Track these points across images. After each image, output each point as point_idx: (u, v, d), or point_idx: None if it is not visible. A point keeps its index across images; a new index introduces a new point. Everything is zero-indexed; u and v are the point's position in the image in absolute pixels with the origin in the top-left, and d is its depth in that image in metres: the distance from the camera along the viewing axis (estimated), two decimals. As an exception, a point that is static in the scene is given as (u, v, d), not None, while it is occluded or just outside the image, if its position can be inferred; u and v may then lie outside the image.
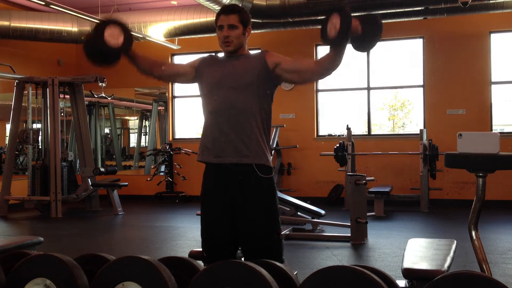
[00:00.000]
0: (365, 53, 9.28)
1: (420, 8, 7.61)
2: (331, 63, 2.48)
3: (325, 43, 2.46)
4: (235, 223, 2.59)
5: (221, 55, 2.78)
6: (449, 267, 2.65)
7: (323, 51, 9.62)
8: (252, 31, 2.71)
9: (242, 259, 2.64)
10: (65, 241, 6.31)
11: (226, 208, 2.59)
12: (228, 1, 7.09)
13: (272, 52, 2.65)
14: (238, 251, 2.69)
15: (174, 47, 9.63)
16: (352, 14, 2.35)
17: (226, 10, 2.60)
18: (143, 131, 11.65)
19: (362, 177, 5.74)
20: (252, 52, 2.75)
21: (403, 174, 8.92)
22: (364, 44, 2.47)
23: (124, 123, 12.75)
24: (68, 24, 8.88)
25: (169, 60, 10.37)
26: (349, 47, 2.48)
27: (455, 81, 8.80)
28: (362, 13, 8.61)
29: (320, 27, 2.48)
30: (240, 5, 7.20)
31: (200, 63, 2.72)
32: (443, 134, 8.39)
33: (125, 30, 2.60)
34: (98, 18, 7.85)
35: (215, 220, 2.63)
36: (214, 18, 2.70)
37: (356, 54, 9.32)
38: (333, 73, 2.57)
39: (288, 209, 6.37)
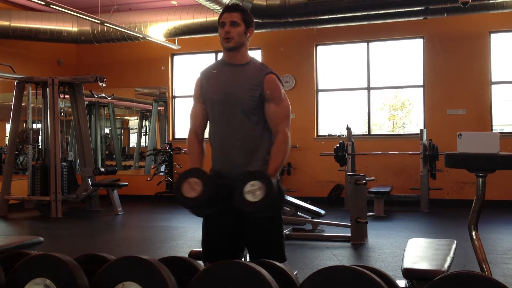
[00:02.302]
0: (366, 51, 9.29)
1: (420, 8, 7.61)
2: None
3: (238, 203, 2.40)
4: (238, 228, 2.58)
5: (220, 57, 2.75)
6: (449, 267, 2.65)
7: (323, 51, 9.63)
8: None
9: (248, 258, 2.64)
10: (65, 241, 6.31)
11: (229, 214, 2.57)
12: (228, 1, 7.09)
13: (272, 79, 2.56)
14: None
15: (174, 47, 9.64)
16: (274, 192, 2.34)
17: (229, 8, 2.59)
18: (143, 131, 11.65)
19: (362, 177, 5.74)
20: (252, 57, 2.66)
21: (403, 174, 8.92)
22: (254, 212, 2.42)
23: (124, 123, 12.75)
24: (68, 24, 8.88)
25: (169, 60, 10.39)
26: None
27: (455, 81, 8.80)
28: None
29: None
30: (241, 4, 7.19)
31: (201, 91, 2.66)
32: (443, 134, 8.38)
33: (197, 174, 2.47)
34: (98, 18, 7.86)
35: (215, 227, 2.62)
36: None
37: (356, 54, 9.36)
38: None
39: (288, 209, 6.37)
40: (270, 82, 2.56)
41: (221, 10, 2.66)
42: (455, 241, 3.19)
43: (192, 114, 2.71)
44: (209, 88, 2.62)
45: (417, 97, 9.43)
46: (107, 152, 11.71)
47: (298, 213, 6.43)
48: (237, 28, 2.54)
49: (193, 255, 3.01)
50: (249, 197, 2.36)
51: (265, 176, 2.39)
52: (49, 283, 2.28)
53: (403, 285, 2.72)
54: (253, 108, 2.54)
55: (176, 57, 10.48)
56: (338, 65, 9.76)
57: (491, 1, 7.39)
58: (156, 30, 8.77)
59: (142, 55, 10.35)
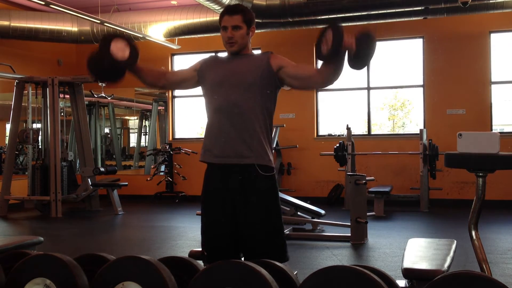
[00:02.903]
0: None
1: (420, 8, 7.61)
2: (330, 75, 2.47)
3: (319, 59, 2.46)
4: (236, 224, 2.58)
5: (223, 54, 2.79)
6: (449, 267, 2.65)
7: (323, 51, 9.62)
8: (253, 30, 2.72)
9: (242, 258, 2.64)
10: (65, 241, 6.31)
11: (227, 209, 2.58)
12: (228, 1, 7.08)
13: (277, 54, 2.65)
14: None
15: (174, 47, 9.63)
16: (343, 29, 2.32)
17: (229, 10, 2.61)
18: (143, 131, 11.66)
19: (362, 177, 5.74)
20: (255, 51, 2.75)
21: (403, 174, 8.92)
22: (358, 60, 2.43)
23: (124, 123, 12.75)
24: (68, 24, 8.88)
25: (169, 60, 10.39)
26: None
27: (455, 81, 8.80)
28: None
29: (319, 27, 2.47)
30: (241, 4, 7.18)
31: (202, 64, 2.72)
32: (443, 134, 8.38)
33: (131, 45, 2.62)
34: (98, 18, 7.86)
35: (215, 222, 2.62)
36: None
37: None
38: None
39: (288, 209, 6.37)
40: (276, 57, 2.62)
41: (221, 10, 2.68)
42: (455, 241, 3.18)
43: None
44: (210, 70, 2.67)
45: (417, 97, 9.43)
46: (108, 150, 11.70)
47: (298, 213, 6.43)
48: (239, 31, 2.58)
49: (193, 255, 3.01)
50: (323, 47, 2.35)
51: (333, 23, 2.37)
52: (49, 283, 2.28)
53: (403, 285, 2.72)
54: (251, 83, 2.56)
55: (176, 57, 10.47)
56: (338, 65, 9.75)
57: (491, 1, 7.39)
58: (156, 30, 8.77)
59: (142, 55, 10.17)
